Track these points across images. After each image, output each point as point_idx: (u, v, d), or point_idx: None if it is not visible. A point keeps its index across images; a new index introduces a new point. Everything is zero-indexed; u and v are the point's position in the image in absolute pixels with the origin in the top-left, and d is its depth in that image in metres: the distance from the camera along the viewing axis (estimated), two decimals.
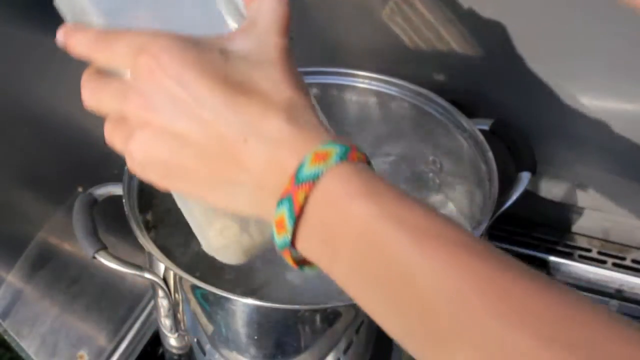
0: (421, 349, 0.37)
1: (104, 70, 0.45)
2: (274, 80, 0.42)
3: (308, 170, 0.39)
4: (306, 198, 0.39)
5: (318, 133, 0.41)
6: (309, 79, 0.81)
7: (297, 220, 0.39)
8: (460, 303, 0.35)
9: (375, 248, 0.37)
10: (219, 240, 0.49)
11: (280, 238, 0.40)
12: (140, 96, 0.41)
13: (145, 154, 0.42)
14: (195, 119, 0.40)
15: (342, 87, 0.81)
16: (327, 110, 0.82)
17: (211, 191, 0.42)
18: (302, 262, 0.42)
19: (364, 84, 0.81)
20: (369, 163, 0.41)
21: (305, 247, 0.40)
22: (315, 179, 0.38)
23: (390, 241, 0.37)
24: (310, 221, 0.39)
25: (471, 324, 0.34)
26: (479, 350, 0.34)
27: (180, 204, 0.49)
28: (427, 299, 0.36)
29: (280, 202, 0.39)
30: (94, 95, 0.46)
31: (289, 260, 0.41)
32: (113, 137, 0.43)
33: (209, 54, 0.41)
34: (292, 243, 0.40)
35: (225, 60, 0.41)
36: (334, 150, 0.39)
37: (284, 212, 0.39)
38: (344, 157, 0.39)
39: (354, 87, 0.81)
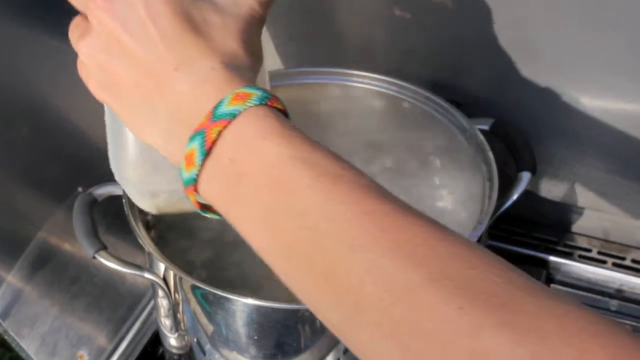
0: (324, 301, 0.37)
1: None
2: (228, 31, 0.44)
3: (226, 107, 0.40)
4: (219, 134, 0.40)
5: (246, 82, 0.42)
6: (309, 79, 0.81)
7: (206, 155, 0.40)
8: (358, 247, 0.35)
9: (282, 189, 0.38)
10: (129, 174, 0.50)
11: (188, 173, 0.41)
12: (107, 1, 0.44)
13: (90, 53, 0.44)
14: (144, 37, 0.43)
15: (342, 87, 0.81)
16: (327, 110, 0.82)
17: (132, 111, 0.44)
18: (204, 207, 0.43)
19: (363, 84, 0.80)
20: (286, 115, 0.42)
21: (209, 188, 0.41)
22: (231, 117, 0.40)
23: (297, 183, 0.38)
24: (219, 159, 0.40)
25: (369, 265, 0.35)
26: (375, 290, 0.34)
27: (108, 122, 0.50)
28: (328, 248, 0.36)
29: (192, 136, 0.40)
30: None
31: (192, 200, 0.42)
32: (73, 32, 0.46)
33: None
34: (197, 182, 0.41)
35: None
36: (255, 93, 0.40)
37: (195, 146, 0.40)
38: (263, 102, 0.40)
39: (353, 87, 0.81)
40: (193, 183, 0.41)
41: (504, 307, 0.32)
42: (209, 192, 0.41)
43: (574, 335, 0.30)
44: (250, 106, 0.40)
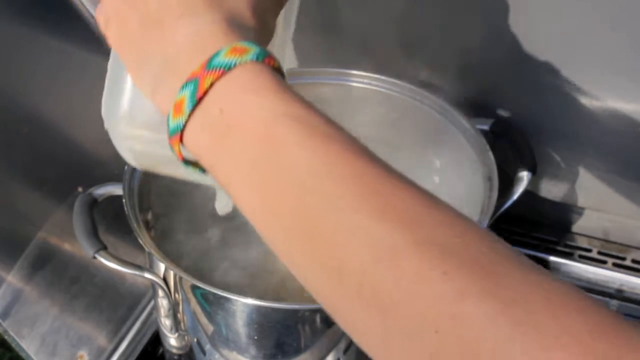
0: (309, 265, 0.37)
1: None
2: None
3: (222, 59, 0.40)
4: (212, 85, 0.39)
5: (246, 38, 0.41)
6: (309, 79, 0.81)
7: (196, 104, 0.40)
8: (345, 206, 0.35)
9: (271, 144, 0.38)
10: (117, 121, 0.50)
11: (175, 121, 0.40)
12: None
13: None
14: None
15: (342, 87, 0.81)
16: (326, 111, 0.82)
17: (130, 49, 0.44)
18: (187, 161, 0.42)
19: (363, 84, 0.80)
20: (283, 76, 0.41)
21: (195, 138, 0.40)
22: (226, 69, 0.39)
23: (287, 139, 0.37)
24: (209, 110, 0.39)
25: (354, 226, 0.34)
26: (359, 251, 0.34)
27: (111, 65, 0.50)
28: (314, 205, 0.36)
29: (184, 85, 0.40)
30: None
31: (175, 150, 0.42)
32: None
33: None
34: (183, 131, 0.40)
35: None
36: (253, 49, 0.40)
37: (186, 95, 0.40)
38: (260, 58, 0.40)
39: (353, 87, 0.81)
40: (179, 132, 0.40)
41: (489, 276, 0.31)
42: (195, 143, 0.41)
43: (558, 309, 0.30)
44: (247, 61, 0.40)
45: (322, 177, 0.36)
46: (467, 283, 0.31)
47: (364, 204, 0.35)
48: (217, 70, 0.39)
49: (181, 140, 0.41)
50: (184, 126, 0.40)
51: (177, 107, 0.40)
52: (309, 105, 0.39)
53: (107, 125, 0.52)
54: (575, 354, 0.28)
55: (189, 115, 0.40)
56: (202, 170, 0.43)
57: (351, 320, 0.35)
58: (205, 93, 0.40)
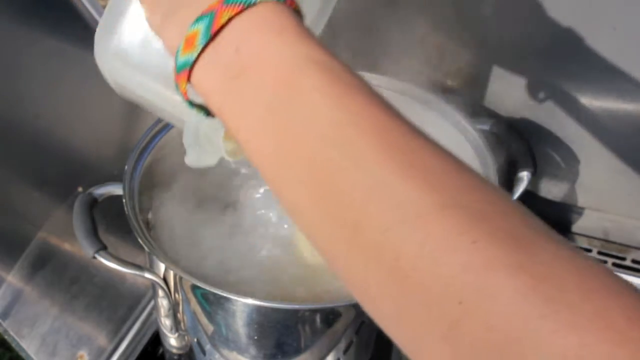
0: (322, 220, 0.34)
1: None
2: None
3: None
4: (229, 20, 0.37)
5: None
6: None
7: (210, 40, 0.37)
8: (366, 161, 0.32)
9: (289, 88, 0.35)
10: (112, 48, 0.48)
11: (184, 56, 0.38)
12: None
13: None
14: None
15: None
16: None
17: None
18: (191, 102, 0.40)
19: None
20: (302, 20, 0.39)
21: (205, 76, 0.38)
22: (246, 5, 0.37)
23: (307, 85, 0.35)
24: (224, 47, 0.37)
25: (375, 182, 0.32)
26: (379, 209, 0.32)
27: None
28: (332, 158, 0.33)
29: (199, 18, 0.37)
30: None
31: (181, 87, 0.39)
32: None
33: None
34: (192, 68, 0.37)
35: None
36: None
37: (200, 28, 0.37)
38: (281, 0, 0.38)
39: None
40: (188, 68, 0.38)
41: (521, 248, 0.29)
42: (205, 81, 0.38)
43: (593, 291, 0.28)
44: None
45: (345, 128, 0.33)
46: (497, 254, 0.29)
47: (389, 160, 0.32)
48: (236, 5, 0.37)
49: (189, 78, 0.38)
50: (194, 62, 0.37)
51: (189, 41, 0.38)
52: (331, 52, 0.36)
53: (96, 54, 0.49)
54: (610, 340, 0.26)
55: (201, 51, 0.37)
56: (206, 112, 0.40)
57: (363, 284, 0.33)
58: (221, 28, 0.37)
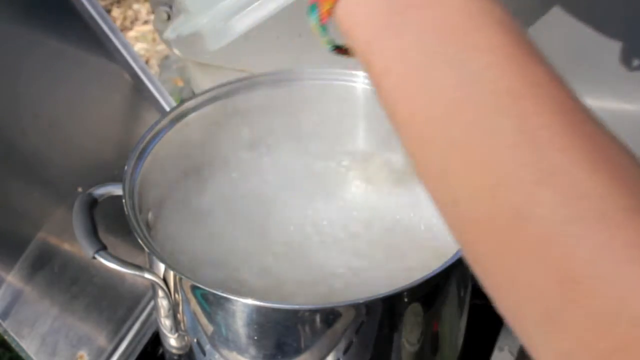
0: (473, 186, 0.30)
1: None
2: None
3: None
4: None
5: None
6: (311, 79, 0.81)
7: None
8: (541, 139, 0.28)
9: (459, 39, 0.31)
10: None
11: None
12: None
13: None
14: None
15: (342, 87, 0.81)
16: (327, 111, 0.82)
17: None
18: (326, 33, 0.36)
19: (364, 84, 0.80)
20: None
21: (354, 7, 0.33)
22: None
23: (484, 41, 0.31)
24: None
25: (549, 164, 0.28)
26: (552, 199, 0.27)
27: None
28: (495, 128, 0.29)
29: None
30: None
31: (323, 7, 0.34)
32: None
33: None
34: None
35: None
36: None
37: None
38: None
39: (353, 87, 0.81)
40: None
41: None
42: (357, 9, 0.33)
43: None
44: None
45: (523, 100, 0.29)
46: None
47: (571, 146, 0.28)
48: None
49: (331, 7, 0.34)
50: None
51: None
52: (506, 8, 0.32)
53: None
54: None
55: None
56: (334, 46, 0.36)
57: (509, 275, 0.28)
58: None
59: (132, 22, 2.15)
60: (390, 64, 0.32)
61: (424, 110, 0.31)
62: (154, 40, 2.03)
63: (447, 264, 0.62)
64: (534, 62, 0.31)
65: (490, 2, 0.32)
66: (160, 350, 0.85)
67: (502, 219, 0.28)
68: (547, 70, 0.31)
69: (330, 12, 0.35)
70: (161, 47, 1.93)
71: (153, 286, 0.68)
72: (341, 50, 0.38)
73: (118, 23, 2.11)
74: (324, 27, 0.36)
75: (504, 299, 0.29)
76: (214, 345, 0.67)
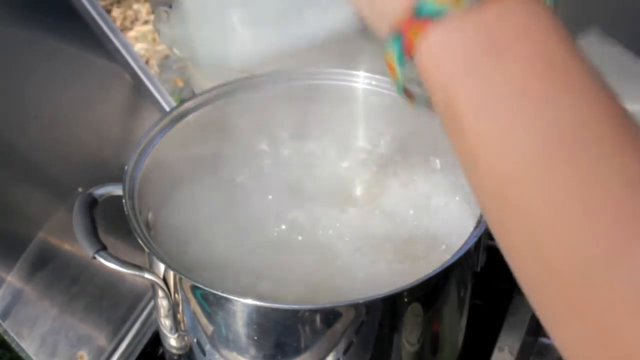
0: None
1: None
2: None
3: None
4: None
5: None
6: (312, 79, 0.81)
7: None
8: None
9: (558, 81, 0.30)
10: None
11: (433, 4, 0.30)
12: None
13: None
14: None
15: (342, 87, 0.81)
16: (327, 111, 0.82)
17: None
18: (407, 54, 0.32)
19: (364, 84, 0.80)
20: None
21: (445, 43, 0.30)
22: None
23: (580, 84, 0.31)
24: (485, 12, 0.30)
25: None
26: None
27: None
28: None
29: None
30: None
31: (411, 38, 0.31)
32: None
33: None
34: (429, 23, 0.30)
35: None
36: None
37: None
38: None
39: (354, 87, 0.81)
40: (435, 18, 0.30)
41: None
42: (446, 47, 0.30)
43: None
44: None
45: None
46: None
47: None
48: None
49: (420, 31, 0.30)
50: (445, 15, 0.30)
51: None
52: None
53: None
54: None
55: (452, 13, 0.30)
56: (402, 89, 0.34)
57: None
58: None
59: (132, 22, 2.15)
60: (472, 107, 0.31)
61: (531, 156, 0.30)
62: (154, 40, 2.03)
63: (447, 264, 0.62)
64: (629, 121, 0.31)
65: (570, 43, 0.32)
66: (160, 350, 0.85)
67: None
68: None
69: (415, 44, 0.32)
70: (161, 47, 1.93)
71: (153, 286, 0.68)
72: (407, 93, 0.36)
73: (118, 23, 2.10)
74: (403, 61, 0.33)
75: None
76: (214, 345, 0.67)
